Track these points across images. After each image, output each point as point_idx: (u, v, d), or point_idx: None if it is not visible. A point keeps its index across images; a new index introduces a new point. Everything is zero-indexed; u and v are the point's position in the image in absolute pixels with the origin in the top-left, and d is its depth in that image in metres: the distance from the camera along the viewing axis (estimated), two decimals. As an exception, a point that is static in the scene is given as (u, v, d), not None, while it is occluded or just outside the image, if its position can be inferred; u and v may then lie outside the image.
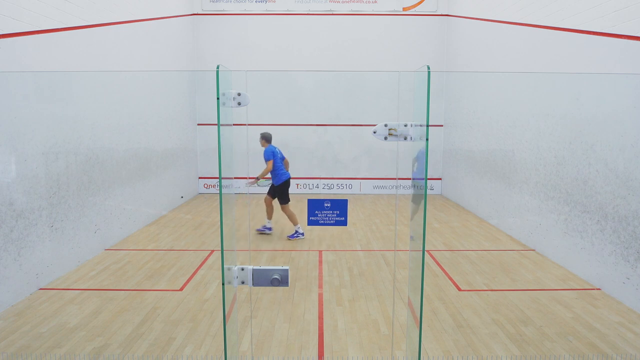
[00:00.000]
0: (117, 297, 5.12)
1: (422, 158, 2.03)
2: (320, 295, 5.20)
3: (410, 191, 2.44)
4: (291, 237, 7.58)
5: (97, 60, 6.86)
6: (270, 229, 7.86)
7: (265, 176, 7.65)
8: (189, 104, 11.55)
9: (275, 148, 7.55)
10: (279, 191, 7.56)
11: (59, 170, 5.72)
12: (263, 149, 7.54)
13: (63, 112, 5.91)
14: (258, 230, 7.89)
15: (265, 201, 7.81)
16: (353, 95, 12.00)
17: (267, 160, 7.40)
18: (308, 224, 2.54)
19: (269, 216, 7.84)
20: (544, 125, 6.71)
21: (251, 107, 2.21)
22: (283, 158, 7.66)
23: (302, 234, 7.60)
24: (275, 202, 7.77)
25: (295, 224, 7.60)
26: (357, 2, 12.00)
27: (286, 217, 7.73)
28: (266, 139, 7.59)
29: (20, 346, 4.00)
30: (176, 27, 10.68)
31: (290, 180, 7.66)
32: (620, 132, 5.05)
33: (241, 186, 11.80)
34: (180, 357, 3.84)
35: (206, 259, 6.54)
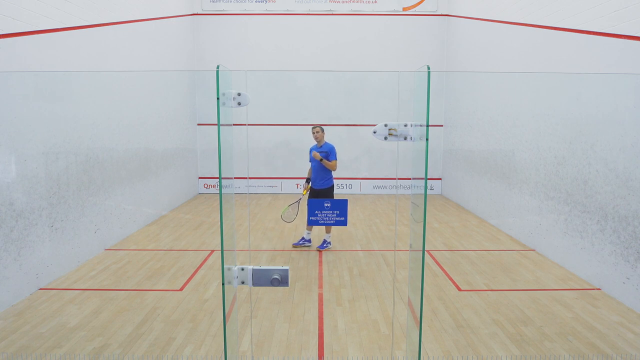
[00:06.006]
0: (117, 297, 5.12)
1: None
2: (320, 295, 5.19)
3: (410, 191, 2.45)
4: None
5: (97, 60, 6.86)
6: None
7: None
8: (189, 104, 11.55)
9: None
10: None
11: (59, 170, 5.72)
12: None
13: (63, 112, 5.91)
14: None
15: None
16: (353, 95, 11.99)
17: None
18: (308, 224, 2.53)
19: None
20: (544, 125, 6.71)
21: (251, 107, 2.22)
22: None
23: None
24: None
25: None
26: (357, 2, 11.99)
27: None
28: None
29: (20, 346, 4.00)
30: (176, 27, 10.68)
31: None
32: (620, 132, 5.05)
33: (241, 186, 11.84)
34: (180, 357, 3.84)
35: (206, 259, 6.53)
